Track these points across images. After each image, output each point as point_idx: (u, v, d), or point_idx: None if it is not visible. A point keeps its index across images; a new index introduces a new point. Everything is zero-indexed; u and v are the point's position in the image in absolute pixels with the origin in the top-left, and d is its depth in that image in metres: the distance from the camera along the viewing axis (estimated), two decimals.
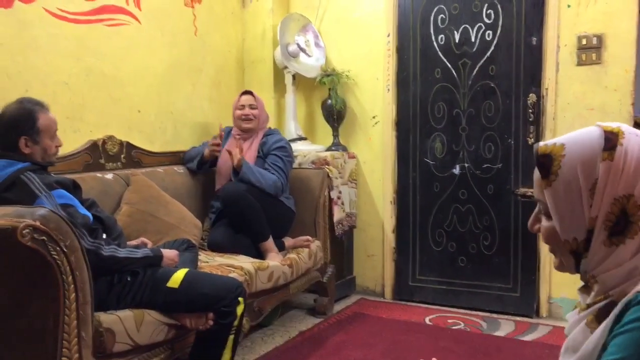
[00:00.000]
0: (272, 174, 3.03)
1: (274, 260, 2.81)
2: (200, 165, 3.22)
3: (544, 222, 1.02)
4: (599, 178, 0.92)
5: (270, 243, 2.90)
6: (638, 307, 0.84)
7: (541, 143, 1.02)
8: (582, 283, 1.03)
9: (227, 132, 3.33)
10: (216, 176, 3.20)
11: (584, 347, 0.94)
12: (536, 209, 1.05)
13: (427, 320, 3.27)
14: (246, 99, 3.22)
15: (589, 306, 0.97)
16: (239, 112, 3.21)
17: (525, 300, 3.32)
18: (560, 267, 1.04)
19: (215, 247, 2.89)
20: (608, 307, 0.92)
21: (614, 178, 0.91)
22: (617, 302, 0.90)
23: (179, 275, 2.04)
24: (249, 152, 3.15)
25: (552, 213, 0.98)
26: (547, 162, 0.98)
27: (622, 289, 0.91)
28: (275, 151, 3.13)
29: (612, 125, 0.96)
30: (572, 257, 1.00)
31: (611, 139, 0.93)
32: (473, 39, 3.39)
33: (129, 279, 1.97)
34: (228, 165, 3.10)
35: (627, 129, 0.95)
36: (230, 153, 3.03)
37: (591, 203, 0.93)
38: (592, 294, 0.97)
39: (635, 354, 0.82)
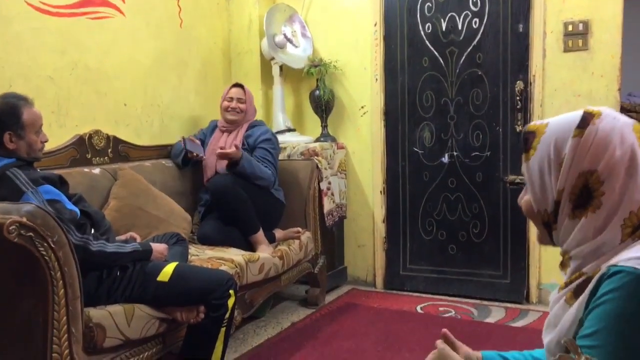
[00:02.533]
0: (265, 167, 3.02)
1: (264, 252, 2.81)
2: (186, 161, 3.17)
3: (526, 196, 1.09)
4: (566, 153, 0.97)
5: (260, 235, 2.90)
6: (610, 280, 0.86)
7: (532, 122, 1.10)
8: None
9: (213, 127, 3.31)
10: (203, 168, 3.18)
11: (562, 321, 0.97)
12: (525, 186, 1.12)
13: (418, 308, 3.29)
14: (236, 92, 3.19)
15: (567, 285, 1.01)
16: (226, 103, 3.18)
17: (515, 287, 3.34)
18: (540, 240, 1.10)
19: (205, 240, 2.88)
20: (585, 283, 0.95)
21: (580, 153, 0.96)
22: (592, 278, 0.93)
23: (168, 269, 2.03)
24: (234, 143, 3.12)
25: (528, 185, 1.06)
26: (530, 138, 1.05)
27: (595, 265, 0.95)
28: (263, 144, 3.11)
29: (597, 108, 1.00)
30: (545, 229, 1.06)
31: (586, 118, 0.98)
32: (460, 27, 3.38)
33: (118, 273, 1.96)
34: (213, 157, 3.07)
35: (609, 112, 0.99)
36: (222, 149, 2.97)
37: (559, 176, 0.98)
38: (568, 271, 1.02)
39: (609, 325, 0.84)
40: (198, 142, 3.18)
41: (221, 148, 3.00)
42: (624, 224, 0.93)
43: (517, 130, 3.25)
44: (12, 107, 1.94)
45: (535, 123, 1.07)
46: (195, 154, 3.07)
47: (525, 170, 1.05)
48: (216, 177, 2.97)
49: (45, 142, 2.07)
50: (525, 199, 1.09)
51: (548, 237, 1.06)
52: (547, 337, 1.03)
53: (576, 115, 1.00)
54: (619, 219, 0.93)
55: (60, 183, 2.03)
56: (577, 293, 0.96)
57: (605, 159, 0.94)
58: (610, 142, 0.94)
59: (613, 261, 0.89)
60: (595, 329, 0.86)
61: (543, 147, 1.01)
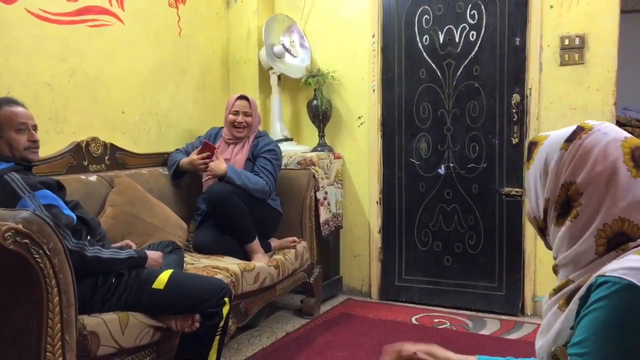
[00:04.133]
0: (261, 177, 3.02)
1: (260, 261, 2.80)
2: (177, 175, 3.15)
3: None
4: (551, 165, 1.03)
5: (256, 244, 2.89)
6: (598, 290, 0.90)
7: (540, 133, 1.16)
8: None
9: (216, 133, 3.31)
10: (203, 177, 3.18)
11: (554, 327, 1.00)
12: None
13: (413, 319, 3.28)
14: (241, 105, 3.15)
15: (555, 291, 1.05)
16: (232, 117, 3.14)
17: (510, 299, 3.34)
18: (545, 244, 1.16)
19: (201, 248, 2.87)
20: (575, 291, 0.98)
21: (562, 165, 1.01)
22: (581, 286, 0.96)
23: (164, 277, 2.02)
24: (240, 154, 3.13)
25: (527, 192, 1.15)
26: (532, 148, 1.11)
27: (581, 273, 0.99)
28: (265, 154, 3.11)
29: (593, 122, 1.05)
30: (541, 234, 1.13)
31: (576, 132, 1.03)
32: (457, 40, 3.40)
33: (113, 280, 1.95)
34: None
35: (601, 127, 1.03)
36: (209, 163, 3.01)
37: (546, 186, 1.05)
38: (558, 278, 1.07)
39: (597, 333, 0.87)
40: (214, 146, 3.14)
41: (226, 159, 3.06)
42: (598, 235, 0.97)
43: (513, 142, 3.27)
44: None
45: (541, 134, 1.13)
46: (209, 154, 3.05)
47: (526, 178, 1.14)
48: (214, 186, 2.96)
49: (34, 141, 2.02)
50: (528, 206, 1.16)
51: (545, 240, 1.14)
52: (538, 343, 1.06)
53: (571, 127, 1.06)
54: (594, 229, 0.98)
55: (58, 188, 2.02)
56: (568, 300, 1.00)
57: (584, 172, 0.99)
58: (591, 157, 0.99)
59: (601, 271, 0.91)
60: (583, 337, 0.88)
61: (538, 158, 1.08)
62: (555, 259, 1.07)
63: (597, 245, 0.97)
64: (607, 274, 0.89)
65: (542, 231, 1.11)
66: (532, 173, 1.10)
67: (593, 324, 0.87)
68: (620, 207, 0.96)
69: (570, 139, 1.02)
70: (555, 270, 1.08)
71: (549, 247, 1.12)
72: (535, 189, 1.08)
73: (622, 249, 0.95)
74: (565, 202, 1.01)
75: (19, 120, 1.97)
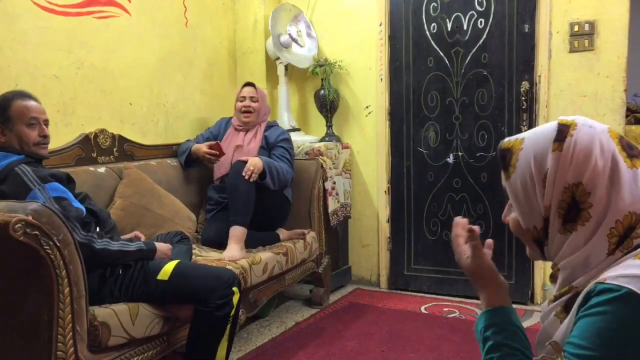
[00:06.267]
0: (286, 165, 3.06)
1: (230, 252, 2.63)
2: (189, 162, 3.17)
3: (512, 214, 1.07)
4: (549, 168, 0.96)
5: (241, 232, 2.73)
6: (597, 297, 0.86)
7: (506, 139, 1.07)
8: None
9: (226, 122, 3.31)
10: (214, 166, 3.18)
11: (554, 337, 0.97)
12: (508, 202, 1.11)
13: (422, 309, 3.28)
14: (248, 91, 3.20)
15: (556, 297, 1.01)
16: (239, 104, 3.19)
17: (520, 288, 3.33)
18: (531, 255, 1.09)
19: (210, 243, 2.86)
20: (573, 298, 0.95)
21: (562, 167, 0.95)
22: (581, 293, 0.92)
23: (168, 268, 2.02)
24: (253, 143, 3.14)
25: (512, 204, 1.04)
26: (507, 156, 1.03)
27: (585, 280, 0.94)
28: (282, 143, 3.14)
29: (570, 118, 0.99)
30: (536, 245, 1.04)
31: (563, 131, 0.97)
32: (465, 27, 3.38)
33: (120, 272, 1.96)
34: (229, 152, 3.12)
35: (583, 121, 0.98)
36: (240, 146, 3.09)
37: (544, 192, 0.97)
38: (558, 282, 1.01)
39: (596, 336, 0.84)
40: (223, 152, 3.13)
41: (238, 145, 3.12)
42: (610, 233, 0.93)
43: (523, 130, 3.24)
44: (2, 100, 1.96)
45: (509, 139, 1.05)
46: (217, 153, 3.09)
47: (507, 189, 1.03)
48: (239, 163, 2.87)
49: (44, 136, 2.01)
50: (511, 217, 1.07)
51: (540, 253, 1.05)
52: (538, 355, 1.03)
53: (551, 127, 0.99)
54: (605, 228, 0.93)
55: (68, 181, 2.03)
56: (567, 308, 0.96)
57: (588, 170, 0.93)
58: (592, 153, 0.93)
59: (601, 278, 0.88)
60: (581, 338, 0.86)
61: (523, 164, 1.00)
62: (554, 265, 1.02)
63: (610, 244, 0.92)
64: (607, 281, 0.86)
65: (539, 242, 1.03)
66: (517, 182, 1.01)
67: (592, 328, 0.85)
68: (627, 200, 0.92)
69: (560, 139, 0.96)
70: (555, 275, 1.02)
71: (545, 258, 1.06)
72: (526, 199, 1.00)
73: (628, 245, 0.92)
74: (572, 206, 0.95)
75: (30, 114, 1.97)
